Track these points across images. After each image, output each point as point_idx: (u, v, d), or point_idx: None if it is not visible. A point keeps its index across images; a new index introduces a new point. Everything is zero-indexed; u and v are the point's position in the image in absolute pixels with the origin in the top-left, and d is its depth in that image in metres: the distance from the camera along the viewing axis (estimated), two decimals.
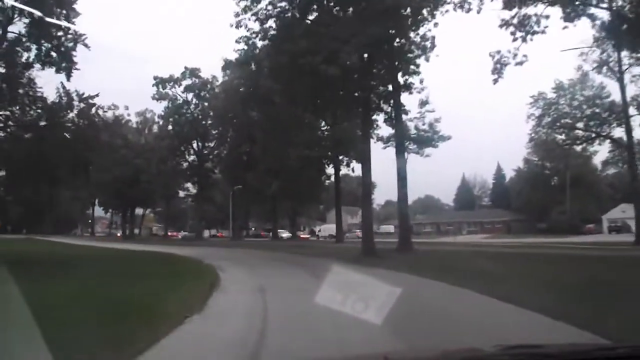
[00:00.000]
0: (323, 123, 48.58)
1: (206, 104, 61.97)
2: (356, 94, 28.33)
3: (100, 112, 28.46)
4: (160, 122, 63.78)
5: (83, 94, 27.67)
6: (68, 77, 26.36)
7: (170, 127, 62.92)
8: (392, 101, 30.34)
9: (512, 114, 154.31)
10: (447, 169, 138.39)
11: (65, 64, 26.41)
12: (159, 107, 64.24)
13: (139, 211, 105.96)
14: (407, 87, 30.09)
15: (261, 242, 58.60)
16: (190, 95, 62.42)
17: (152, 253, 30.53)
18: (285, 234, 73.42)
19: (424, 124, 36.88)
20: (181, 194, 78.19)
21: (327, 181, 67.27)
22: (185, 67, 61.39)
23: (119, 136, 68.10)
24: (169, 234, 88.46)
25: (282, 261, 23.67)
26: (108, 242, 56.61)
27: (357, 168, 50.54)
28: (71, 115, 27.70)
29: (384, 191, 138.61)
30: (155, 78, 60.82)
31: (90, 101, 27.85)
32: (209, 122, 62.34)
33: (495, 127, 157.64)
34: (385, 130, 39.54)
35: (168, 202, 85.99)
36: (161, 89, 61.09)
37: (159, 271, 17.23)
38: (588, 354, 2.36)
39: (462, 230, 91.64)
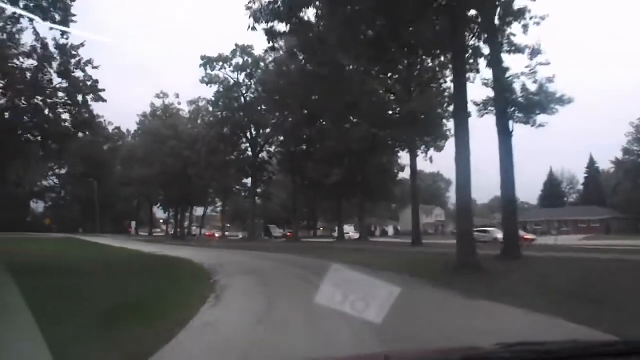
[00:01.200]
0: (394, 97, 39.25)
1: (260, 88, 54.23)
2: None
3: (89, 68, 20.88)
4: (210, 109, 56.42)
5: (67, 44, 20.28)
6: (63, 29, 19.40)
7: (220, 114, 55.51)
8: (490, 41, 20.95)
9: (606, 96, 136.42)
10: (527, 162, 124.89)
11: (56, 11, 19.21)
12: (209, 93, 56.80)
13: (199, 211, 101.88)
14: (517, 15, 20.51)
15: (321, 243, 50.09)
16: (241, 77, 54.97)
17: (159, 258, 22.90)
18: (351, 234, 64.78)
19: (535, 81, 26.29)
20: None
21: (401, 173, 58.02)
22: (236, 45, 54.05)
23: (169, 127, 62.27)
24: (209, 233, 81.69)
25: (316, 275, 14.84)
26: (149, 243, 50.07)
27: (435, 157, 41.10)
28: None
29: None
30: (202, 58, 53.90)
31: (73, 52, 20.43)
32: (264, 107, 54.48)
33: (585, 113, 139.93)
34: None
35: (225, 199, 79.49)
36: (209, 70, 54.02)
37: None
38: (589, 350, 2.29)
39: (551, 230, 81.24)
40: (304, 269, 18.10)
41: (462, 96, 18.40)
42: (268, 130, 55.49)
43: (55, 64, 20.13)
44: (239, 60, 54.01)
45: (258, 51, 52.99)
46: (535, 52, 24.58)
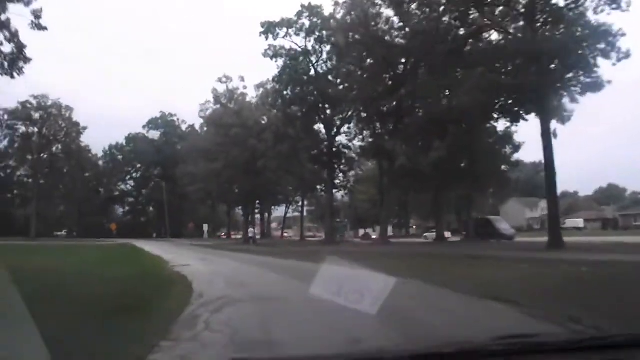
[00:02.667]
0: None
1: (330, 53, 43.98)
2: None
3: None
4: (276, 86, 46.75)
5: None
6: None
7: (286, 91, 45.67)
8: None
9: None
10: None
11: None
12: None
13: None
14: None
15: (416, 247, 39.04)
16: (310, 43, 44.97)
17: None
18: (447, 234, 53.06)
19: None
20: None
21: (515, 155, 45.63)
22: (302, 6, 44.19)
23: (232, 113, 53.90)
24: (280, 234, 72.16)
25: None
26: (204, 248, 41.60)
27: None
28: None
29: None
30: (262, 25, 44.57)
31: None
32: (338, 80, 44.06)
33: None
34: None
35: (304, 196, 70.21)
36: (272, 39, 44.61)
37: None
38: (582, 342, 2.28)
39: None
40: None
41: None
42: (346, 109, 44.79)
43: None
44: (305, 22, 44.08)
45: (327, 9, 42.96)
46: None
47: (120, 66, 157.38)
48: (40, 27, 21.61)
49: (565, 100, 28.48)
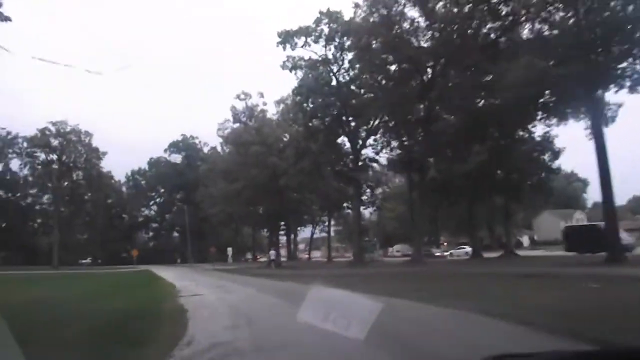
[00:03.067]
0: None
1: (355, 67, 41.33)
2: None
3: None
4: (296, 99, 44.18)
5: None
6: None
7: (306, 104, 43.04)
8: None
9: None
10: None
11: None
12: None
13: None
14: None
15: (454, 266, 35.64)
16: (330, 52, 42.42)
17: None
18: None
19: None
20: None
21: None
22: (320, 12, 41.83)
23: (251, 130, 51.62)
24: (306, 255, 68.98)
25: None
26: (224, 273, 38.84)
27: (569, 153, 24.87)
28: None
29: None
30: (279, 34, 42.35)
31: None
32: (362, 90, 41.30)
33: None
34: None
35: (330, 215, 67.31)
36: (289, 49, 42.28)
37: None
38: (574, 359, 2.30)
39: None
40: None
41: None
42: (371, 119, 41.77)
43: None
44: (324, 29, 41.58)
45: (347, 14, 40.45)
46: None
47: (138, 91, 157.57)
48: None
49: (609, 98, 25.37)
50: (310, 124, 43.14)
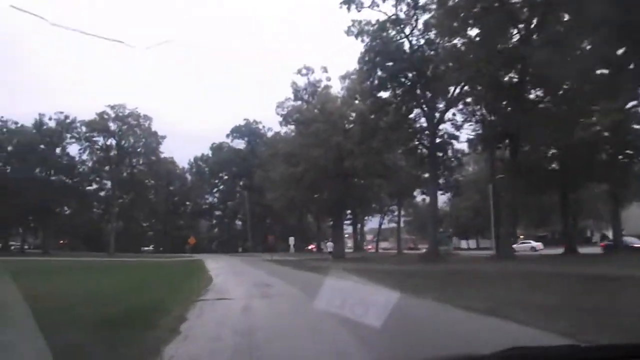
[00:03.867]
0: None
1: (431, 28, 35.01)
2: None
3: None
4: (364, 68, 38.34)
5: None
6: None
7: (375, 75, 37.08)
8: None
9: None
10: None
11: None
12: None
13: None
14: None
15: (548, 261, 28.86)
16: (401, 12, 36.22)
17: None
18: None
19: None
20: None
21: None
22: None
23: (312, 108, 46.53)
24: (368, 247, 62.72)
25: None
26: (277, 265, 34.01)
27: None
28: None
29: None
30: None
31: None
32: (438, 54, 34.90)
33: None
34: None
35: (400, 202, 61.12)
36: (355, 12, 36.49)
37: None
38: (585, 353, 2.29)
39: None
40: None
41: None
42: (452, 87, 35.26)
43: None
44: None
45: None
46: None
47: (201, 78, 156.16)
48: None
49: None
50: (378, 97, 37.35)
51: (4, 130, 67.46)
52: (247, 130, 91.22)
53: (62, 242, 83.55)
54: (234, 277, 22.00)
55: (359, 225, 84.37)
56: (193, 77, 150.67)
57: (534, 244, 53.26)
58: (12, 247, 71.85)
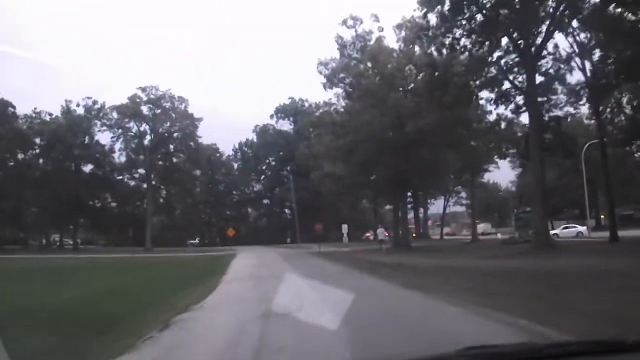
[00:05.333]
0: None
1: None
2: None
3: None
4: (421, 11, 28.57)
5: None
6: None
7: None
8: None
9: None
10: None
11: None
12: None
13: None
14: None
15: None
16: None
17: None
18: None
19: None
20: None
21: None
22: None
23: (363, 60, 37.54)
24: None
25: None
26: (316, 258, 25.46)
27: None
28: None
29: None
30: None
31: None
32: None
33: None
34: None
35: (474, 176, 51.03)
36: None
37: None
38: (541, 351, 2.26)
39: None
40: None
41: None
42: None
43: None
44: None
45: None
46: None
47: (246, 64, 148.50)
48: None
49: None
50: (448, 36, 27.80)
51: (37, 121, 62.12)
52: (293, 110, 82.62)
53: (103, 237, 78.59)
54: (248, 290, 13.66)
55: (420, 209, 74.76)
56: (232, 61, 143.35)
57: (580, 228, 45.83)
58: (55, 243, 67.46)
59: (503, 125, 32.82)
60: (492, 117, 33.65)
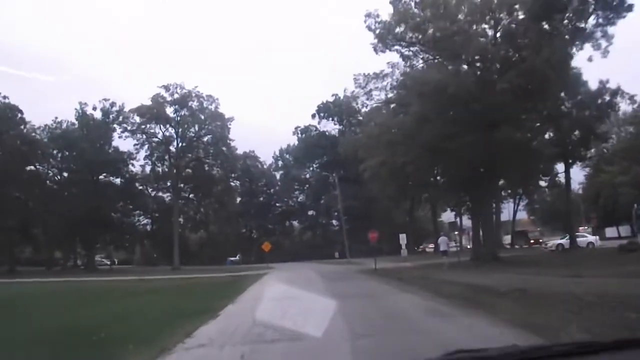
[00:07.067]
0: None
1: None
2: None
3: None
4: None
5: None
6: None
7: None
8: None
9: None
10: None
11: None
12: None
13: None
14: None
15: None
16: None
17: None
18: None
19: None
20: None
21: None
22: None
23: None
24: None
25: None
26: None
27: None
28: None
29: None
30: None
31: None
32: None
33: None
34: None
35: (570, 165, 39.98)
36: None
37: None
38: (525, 354, 2.28)
39: None
40: None
41: None
42: None
43: None
44: None
45: None
46: None
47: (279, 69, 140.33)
48: None
49: None
50: None
51: (58, 131, 55.76)
52: (337, 109, 72.95)
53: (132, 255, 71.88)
54: None
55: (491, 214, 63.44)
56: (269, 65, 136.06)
57: (590, 237, 42.13)
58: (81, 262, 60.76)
59: None
60: None
